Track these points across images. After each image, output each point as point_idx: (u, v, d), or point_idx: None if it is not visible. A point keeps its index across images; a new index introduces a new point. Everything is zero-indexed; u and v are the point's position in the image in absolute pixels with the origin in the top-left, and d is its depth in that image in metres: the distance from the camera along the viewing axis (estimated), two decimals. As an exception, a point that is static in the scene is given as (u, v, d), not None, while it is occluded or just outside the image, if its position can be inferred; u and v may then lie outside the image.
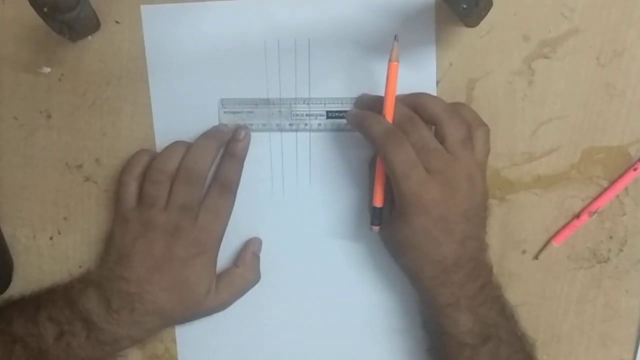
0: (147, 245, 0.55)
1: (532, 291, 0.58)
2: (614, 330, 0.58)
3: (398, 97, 0.53)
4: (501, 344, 0.52)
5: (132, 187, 0.56)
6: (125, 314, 0.54)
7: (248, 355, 0.61)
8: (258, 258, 0.59)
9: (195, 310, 0.57)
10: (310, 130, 0.57)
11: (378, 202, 0.54)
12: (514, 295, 0.57)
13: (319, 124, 0.57)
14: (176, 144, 0.56)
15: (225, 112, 0.57)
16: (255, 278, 0.59)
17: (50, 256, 0.60)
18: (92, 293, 0.55)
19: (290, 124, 0.57)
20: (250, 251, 0.59)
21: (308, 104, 0.57)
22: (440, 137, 0.52)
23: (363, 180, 0.57)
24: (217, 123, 0.58)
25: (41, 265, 0.60)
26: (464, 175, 0.51)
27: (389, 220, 0.54)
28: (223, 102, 0.57)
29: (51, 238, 0.60)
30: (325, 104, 0.57)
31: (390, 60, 0.52)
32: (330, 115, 0.57)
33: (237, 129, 0.57)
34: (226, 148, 0.57)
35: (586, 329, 0.58)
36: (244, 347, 0.60)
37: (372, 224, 0.54)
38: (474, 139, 0.53)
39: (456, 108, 0.54)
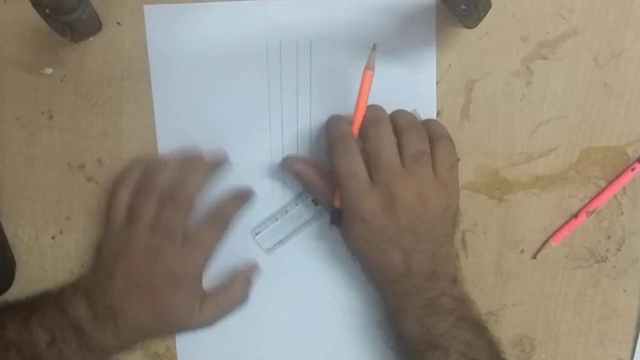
0: (128, 264, 0.54)
1: (531, 290, 0.59)
2: (612, 330, 0.59)
3: (377, 106, 0.54)
4: (449, 355, 0.51)
5: (121, 199, 0.56)
6: (110, 326, 0.54)
7: (248, 353, 0.61)
8: (251, 285, 0.59)
9: (179, 328, 0.57)
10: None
11: (337, 203, 0.54)
12: (512, 294, 0.57)
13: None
14: (172, 157, 0.56)
15: None
16: (243, 302, 0.59)
17: (53, 256, 0.60)
18: (81, 301, 0.55)
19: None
20: (244, 277, 0.58)
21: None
22: (399, 150, 0.52)
23: None
24: (218, 121, 0.58)
25: (43, 264, 0.61)
26: (413, 191, 0.51)
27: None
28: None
29: (53, 238, 0.60)
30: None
31: (365, 68, 0.52)
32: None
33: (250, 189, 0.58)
34: (235, 189, 0.57)
35: (584, 328, 0.59)
36: (244, 345, 0.60)
37: (331, 222, 0.55)
38: (434, 152, 0.52)
39: (421, 122, 0.54)
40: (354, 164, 0.51)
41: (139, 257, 0.54)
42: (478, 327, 0.53)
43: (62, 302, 0.55)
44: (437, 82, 0.57)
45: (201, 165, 0.56)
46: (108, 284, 0.55)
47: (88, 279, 0.57)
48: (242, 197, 0.57)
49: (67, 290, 0.56)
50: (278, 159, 0.58)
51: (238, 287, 0.58)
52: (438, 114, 0.57)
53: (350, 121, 0.53)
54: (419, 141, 0.52)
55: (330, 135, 0.53)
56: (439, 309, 0.52)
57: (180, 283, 0.55)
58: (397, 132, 0.52)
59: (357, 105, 0.53)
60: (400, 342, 0.54)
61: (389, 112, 0.54)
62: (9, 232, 0.60)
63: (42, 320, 0.54)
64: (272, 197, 0.59)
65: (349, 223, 0.52)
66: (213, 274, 0.58)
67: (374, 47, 0.52)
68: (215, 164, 0.57)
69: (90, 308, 0.54)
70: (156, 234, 0.54)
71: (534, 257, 0.58)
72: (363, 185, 0.51)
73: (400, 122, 0.53)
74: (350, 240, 0.54)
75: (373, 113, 0.53)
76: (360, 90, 0.53)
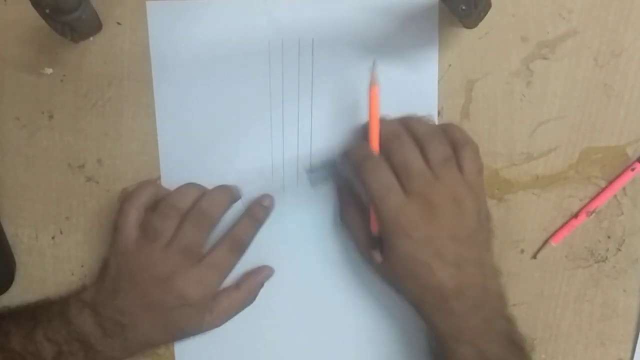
0: (141, 286, 0.54)
1: (531, 290, 0.59)
2: (612, 330, 0.59)
3: (390, 119, 0.54)
4: None
5: (132, 217, 0.55)
6: (119, 341, 0.54)
7: (246, 352, 0.61)
8: (262, 287, 0.59)
9: (189, 338, 0.58)
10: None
11: (375, 230, 0.53)
12: (512, 294, 0.57)
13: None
14: (191, 185, 0.56)
15: None
16: (251, 303, 0.59)
17: (52, 256, 0.60)
18: (88, 316, 0.54)
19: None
20: (258, 280, 0.58)
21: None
22: (424, 159, 0.51)
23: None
24: (219, 120, 0.58)
25: (43, 264, 0.61)
26: (447, 197, 0.51)
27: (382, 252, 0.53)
28: None
29: (53, 238, 0.60)
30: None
31: (371, 85, 0.52)
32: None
33: (264, 195, 0.57)
34: (248, 209, 0.57)
35: (584, 328, 0.59)
36: (243, 345, 0.61)
37: (374, 249, 0.53)
38: (460, 158, 0.52)
39: (442, 128, 0.53)
40: (386, 179, 0.51)
41: (155, 277, 0.54)
42: (523, 352, 0.52)
43: (68, 316, 0.55)
44: (437, 82, 0.57)
45: (220, 189, 0.56)
46: (118, 302, 0.54)
47: (94, 293, 0.56)
48: (258, 218, 0.57)
49: (72, 304, 0.56)
50: (279, 158, 0.58)
51: (251, 288, 0.58)
52: (438, 114, 0.57)
53: (367, 142, 0.53)
54: (444, 147, 0.52)
55: (354, 160, 0.52)
56: (494, 332, 0.51)
57: (195, 304, 0.55)
58: (418, 141, 0.52)
59: (371, 123, 0.52)
60: None
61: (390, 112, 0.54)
62: (9, 232, 0.60)
63: (47, 333, 0.54)
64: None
65: (392, 242, 0.51)
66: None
67: (375, 64, 0.52)
68: (235, 192, 0.57)
69: (98, 324, 0.54)
70: (174, 253, 0.54)
71: (534, 257, 0.58)
72: (400, 198, 0.50)
73: (419, 132, 0.52)
74: (395, 264, 0.52)
75: (390, 127, 0.53)
76: (370, 108, 0.52)
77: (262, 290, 0.59)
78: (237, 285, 0.58)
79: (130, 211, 0.55)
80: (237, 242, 0.56)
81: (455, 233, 0.51)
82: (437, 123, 0.57)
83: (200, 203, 0.55)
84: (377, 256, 0.53)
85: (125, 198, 0.57)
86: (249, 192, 0.58)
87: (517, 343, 0.52)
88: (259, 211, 0.57)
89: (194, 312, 0.55)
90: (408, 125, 0.53)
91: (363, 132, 0.54)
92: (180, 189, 0.56)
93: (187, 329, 0.56)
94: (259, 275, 0.59)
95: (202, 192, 0.56)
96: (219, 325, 0.58)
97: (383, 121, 0.53)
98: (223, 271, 0.56)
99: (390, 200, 0.50)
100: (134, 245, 0.55)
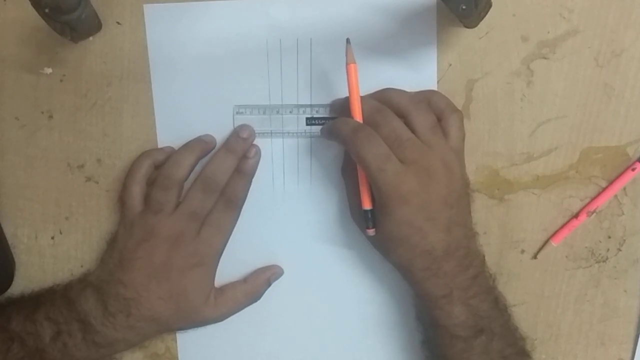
0: (148, 251, 0.55)
1: (531, 290, 0.59)
2: (613, 330, 0.59)
3: (366, 95, 0.54)
4: (494, 337, 0.52)
5: (136, 192, 0.56)
6: (122, 318, 0.55)
7: (248, 354, 0.61)
8: (269, 286, 0.59)
9: (192, 319, 0.57)
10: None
11: (367, 204, 0.53)
12: (512, 294, 0.57)
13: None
14: (184, 151, 0.57)
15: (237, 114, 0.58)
16: (257, 299, 0.59)
17: (52, 256, 0.60)
18: (90, 295, 0.55)
19: (305, 131, 0.58)
20: (265, 276, 0.59)
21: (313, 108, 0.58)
22: (410, 128, 0.52)
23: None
24: (218, 121, 0.58)
25: (43, 265, 0.61)
26: (439, 162, 0.51)
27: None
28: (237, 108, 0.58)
29: (53, 238, 0.60)
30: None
31: (347, 63, 0.53)
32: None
33: (250, 147, 0.57)
34: (238, 165, 0.57)
35: (585, 328, 0.59)
36: (244, 346, 0.61)
37: (367, 227, 0.54)
38: (447, 126, 0.53)
39: (425, 96, 0.54)
40: (382, 148, 0.51)
41: (160, 244, 0.55)
42: (506, 308, 0.54)
43: (70, 295, 0.55)
44: (437, 82, 0.57)
45: (224, 154, 0.56)
46: (123, 276, 0.55)
47: (98, 273, 0.57)
48: (247, 171, 0.57)
49: (74, 285, 0.57)
50: (279, 158, 0.58)
51: (257, 283, 0.59)
52: (438, 113, 0.57)
53: (351, 117, 0.53)
54: (428, 115, 0.53)
55: (344, 132, 0.52)
56: (481, 289, 0.52)
57: (201, 262, 0.56)
58: (402, 113, 0.53)
59: (352, 99, 0.53)
60: (440, 333, 0.52)
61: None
62: (8, 232, 0.60)
63: (48, 313, 0.55)
64: (272, 198, 0.59)
65: (389, 210, 0.51)
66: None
67: (348, 41, 0.53)
68: (240, 150, 0.57)
69: (100, 302, 0.55)
70: (181, 218, 0.55)
71: (535, 257, 0.58)
72: (398, 166, 0.51)
73: (401, 104, 0.53)
74: (389, 231, 0.52)
75: (371, 103, 0.53)
76: (350, 85, 0.53)
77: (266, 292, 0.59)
78: (244, 279, 0.59)
79: (132, 186, 0.57)
80: (231, 199, 0.57)
81: (447, 198, 0.51)
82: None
83: (206, 171, 0.56)
84: (371, 232, 0.54)
85: (127, 173, 0.57)
86: (250, 193, 0.58)
87: (503, 301, 0.54)
88: (246, 164, 0.57)
89: (199, 273, 0.56)
90: (388, 98, 0.54)
91: (342, 111, 0.55)
92: (174, 158, 0.56)
93: (192, 298, 0.56)
94: (267, 272, 0.59)
95: (196, 156, 0.56)
96: (222, 319, 0.58)
97: (363, 99, 0.53)
98: (223, 228, 0.57)
99: (388, 169, 0.51)
100: (140, 216, 0.56)
